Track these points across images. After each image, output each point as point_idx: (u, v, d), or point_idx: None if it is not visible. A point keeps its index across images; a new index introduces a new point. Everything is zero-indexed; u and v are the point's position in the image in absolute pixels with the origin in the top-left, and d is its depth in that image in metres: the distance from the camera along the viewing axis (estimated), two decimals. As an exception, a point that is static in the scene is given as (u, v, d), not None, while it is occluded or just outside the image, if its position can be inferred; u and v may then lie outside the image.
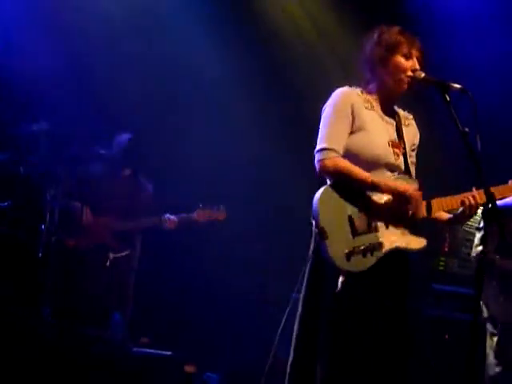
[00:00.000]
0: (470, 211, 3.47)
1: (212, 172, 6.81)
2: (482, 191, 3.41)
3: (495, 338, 4.94)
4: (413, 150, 3.72)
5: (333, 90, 3.63)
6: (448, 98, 3.36)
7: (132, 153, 6.12)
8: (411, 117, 3.75)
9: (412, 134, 3.71)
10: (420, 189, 3.57)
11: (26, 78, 6.14)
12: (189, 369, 6.02)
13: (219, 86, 6.82)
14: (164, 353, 5.78)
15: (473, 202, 3.45)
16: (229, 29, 6.80)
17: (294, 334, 3.51)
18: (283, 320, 3.78)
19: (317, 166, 3.49)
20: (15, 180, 5.80)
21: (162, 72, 6.73)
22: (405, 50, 3.56)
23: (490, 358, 4.94)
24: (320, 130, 3.54)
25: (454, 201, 3.52)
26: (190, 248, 6.81)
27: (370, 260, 3.38)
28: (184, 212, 6.14)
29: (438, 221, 3.62)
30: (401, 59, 3.55)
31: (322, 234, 3.34)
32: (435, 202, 3.52)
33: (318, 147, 3.50)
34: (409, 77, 3.54)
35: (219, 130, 6.86)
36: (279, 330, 3.58)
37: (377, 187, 3.43)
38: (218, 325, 6.82)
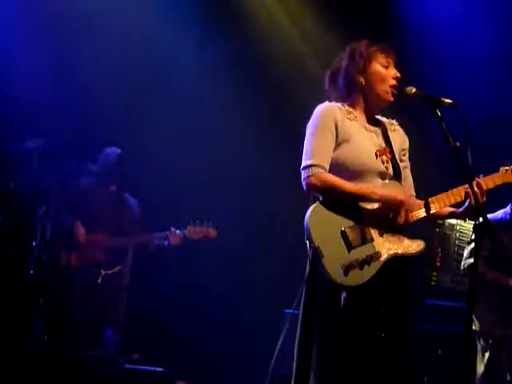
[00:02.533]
0: (476, 201, 3.39)
1: (201, 184, 6.80)
2: (487, 177, 3.47)
3: (487, 354, 4.94)
4: (404, 155, 3.72)
5: (319, 99, 3.65)
6: (439, 113, 3.38)
7: (120, 168, 6.10)
8: (396, 123, 3.75)
9: (399, 138, 3.71)
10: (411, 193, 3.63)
11: (18, 94, 6.13)
12: (181, 385, 6.00)
13: (207, 98, 6.83)
14: (156, 369, 5.76)
15: (477, 190, 3.41)
16: (217, 35, 6.84)
17: (296, 351, 3.48)
18: (281, 337, 3.75)
19: (303, 183, 3.49)
20: (6, 196, 5.78)
21: (149, 84, 6.73)
22: (381, 59, 3.58)
23: (480, 372, 4.93)
24: (304, 147, 3.54)
25: (456, 194, 3.52)
26: (183, 263, 6.79)
27: (369, 272, 3.37)
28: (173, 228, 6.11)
29: (439, 217, 3.63)
30: (379, 68, 3.58)
31: (317, 253, 3.33)
32: (434, 200, 3.53)
33: (303, 164, 3.50)
34: (392, 86, 3.56)
35: (207, 143, 6.86)
36: (277, 348, 3.55)
37: (366, 197, 3.43)
38: (210, 341, 6.80)
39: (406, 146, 3.75)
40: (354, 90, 3.62)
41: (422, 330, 5.78)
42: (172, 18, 6.73)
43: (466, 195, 3.45)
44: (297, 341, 3.50)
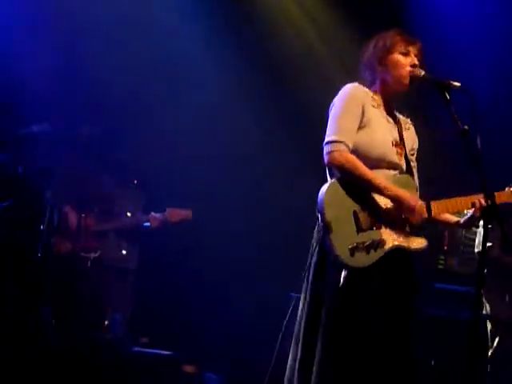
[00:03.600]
0: (480, 213, 3.43)
1: (203, 172, 6.79)
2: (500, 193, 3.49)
3: (496, 338, 4.94)
4: (412, 155, 3.74)
5: (330, 89, 3.66)
6: (448, 97, 3.37)
7: (91, 145, 6.04)
8: (410, 122, 3.79)
9: (411, 137, 3.75)
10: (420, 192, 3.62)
11: (25, 79, 6.13)
12: (188, 369, 6.02)
13: (210, 85, 6.81)
14: (164, 353, 5.78)
15: (484, 203, 3.40)
16: (222, 27, 6.79)
17: (302, 330, 3.49)
18: (285, 321, 3.76)
19: (326, 157, 3.49)
20: (14, 180, 5.79)
21: (154, 71, 6.71)
22: (401, 48, 3.60)
23: (490, 355, 4.94)
24: (329, 122, 3.55)
25: (461, 203, 3.53)
26: (190, 248, 6.80)
27: (373, 256, 3.39)
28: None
29: (443, 223, 3.65)
30: (398, 56, 3.59)
31: (327, 228, 3.35)
32: (436, 205, 3.53)
33: (327, 139, 3.50)
34: (409, 72, 3.56)
35: (210, 130, 6.84)
36: (281, 331, 3.56)
37: (381, 190, 3.44)
38: (219, 325, 6.81)
39: (416, 146, 3.79)
40: (375, 79, 3.66)
41: (429, 313, 5.78)
42: (179, 9, 6.70)
43: (473, 205, 3.46)
44: (304, 318, 3.49)
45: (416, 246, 3.51)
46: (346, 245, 3.34)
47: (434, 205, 3.52)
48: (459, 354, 5.44)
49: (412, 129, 3.78)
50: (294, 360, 3.49)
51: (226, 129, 6.82)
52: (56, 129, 5.82)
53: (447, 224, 3.70)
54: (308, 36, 7.10)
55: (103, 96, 6.32)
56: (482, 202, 3.41)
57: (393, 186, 3.47)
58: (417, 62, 3.59)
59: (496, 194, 3.50)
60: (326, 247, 3.38)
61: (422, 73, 3.52)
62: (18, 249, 5.63)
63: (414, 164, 3.73)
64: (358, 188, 3.44)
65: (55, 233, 5.76)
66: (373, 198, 3.46)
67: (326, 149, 3.48)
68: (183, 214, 6.07)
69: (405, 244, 3.48)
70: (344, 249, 3.34)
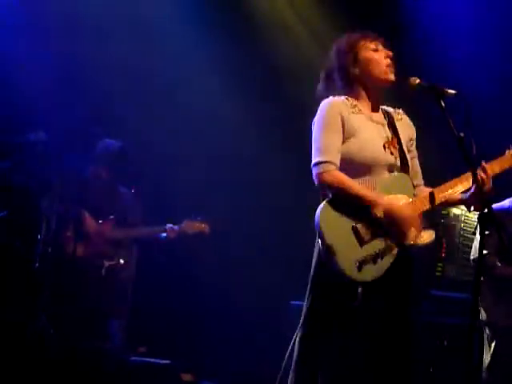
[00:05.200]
0: (483, 186, 3.39)
1: (204, 175, 6.80)
2: (493, 161, 3.49)
3: (493, 344, 4.93)
4: (411, 145, 3.71)
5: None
6: (443, 104, 3.37)
7: (122, 161, 6.08)
8: (402, 111, 3.75)
9: (407, 127, 3.71)
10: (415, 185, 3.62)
11: (22, 87, 6.13)
12: (186, 377, 6.01)
13: (210, 87, 6.82)
14: (161, 361, 5.77)
15: (484, 175, 3.42)
16: (218, 28, 6.80)
17: (298, 346, 3.48)
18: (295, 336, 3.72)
19: (315, 179, 3.48)
20: (11, 189, 5.78)
21: (153, 75, 6.72)
22: (366, 44, 3.59)
23: (487, 362, 4.93)
24: (313, 144, 3.54)
25: (463, 180, 3.51)
26: (188, 256, 6.79)
27: (383, 265, 3.38)
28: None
29: (449, 203, 3.62)
30: (369, 53, 3.58)
31: (329, 251, 3.33)
32: (439, 190, 3.52)
33: (314, 161, 3.49)
34: (388, 65, 3.55)
35: (210, 132, 6.85)
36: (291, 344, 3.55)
37: (373, 205, 3.40)
38: (216, 333, 6.80)
39: (413, 135, 3.74)
40: (352, 83, 3.61)
41: (427, 320, 5.78)
42: (177, 13, 6.72)
43: (474, 180, 3.42)
44: (300, 335, 3.48)
45: (425, 241, 3.47)
46: (352, 262, 3.32)
47: (436, 192, 3.52)
48: (457, 360, 5.45)
49: (405, 118, 3.73)
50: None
51: (227, 129, 6.83)
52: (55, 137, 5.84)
53: (451, 204, 3.67)
54: (303, 36, 7.13)
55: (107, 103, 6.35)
56: (482, 174, 3.41)
57: (383, 199, 3.42)
58: (391, 53, 3.58)
59: (496, 160, 3.53)
60: (332, 269, 3.35)
61: (417, 81, 3.48)
62: (14, 259, 5.62)
63: (413, 154, 3.70)
64: (351, 203, 3.41)
65: (62, 238, 5.76)
66: (368, 211, 3.43)
67: (314, 171, 3.48)
68: (200, 226, 6.07)
69: (412, 242, 3.44)
70: (351, 266, 3.32)
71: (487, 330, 4.98)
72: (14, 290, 5.55)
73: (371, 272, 3.35)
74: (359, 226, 3.39)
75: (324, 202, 3.43)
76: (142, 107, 6.68)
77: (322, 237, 3.36)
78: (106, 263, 5.93)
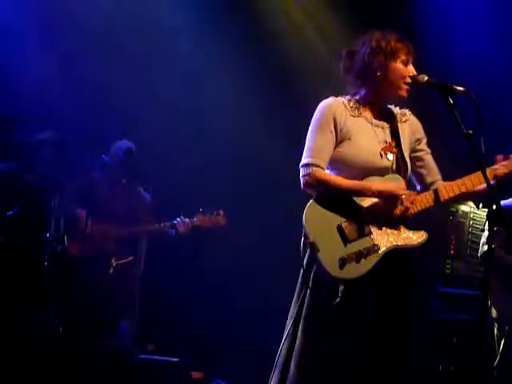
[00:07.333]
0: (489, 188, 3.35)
1: (208, 172, 6.80)
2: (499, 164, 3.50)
3: (503, 341, 4.93)
4: (419, 144, 3.70)
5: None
6: (451, 101, 3.36)
7: (132, 161, 6.11)
8: (408, 112, 3.73)
9: (411, 128, 3.69)
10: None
11: (32, 87, 6.15)
12: (196, 375, 6.01)
13: (215, 83, 6.82)
14: (171, 359, 5.78)
15: (507, 171, 3.48)
16: (225, 25, 6.80)
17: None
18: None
19: (301, 181, 3.53)
20: (21, 188, 5.80)
21: (160, 76, 6.73)
22: (403, 56, 3.55)
23: (497, 360, 4.92)
24: (306, 143, 3.57)
25: (474, 179, 3.52)
26: (196, 254, 6.79)
27: (365, 265, 3.40)
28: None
29: (471, 194, 3.62)
30: (400, 66, 3.55)
31: (313, 248, 3.38)
32: (447, 186, 3.53)
33: (302, 162, 3.54)
34: (407, 83, 3.54)
35: (212, 130, 6.86)
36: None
37: (361, 193, 3.45)
38: (226, 331, 6.80)
39: (420, 134, 3.72)
40: (367, 78, 3.58)
41: (436, 318, 5.77)
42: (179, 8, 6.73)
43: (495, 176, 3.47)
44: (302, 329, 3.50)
45: (415, 242, 3.49)
46: (334, 259, 3.36)
47: (441, 189, 3.53)
48: (466, 358, 5.43)
49: (411, 119, 3.71)
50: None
51: (229, 128, 6.83)
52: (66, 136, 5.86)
53: (473, 194, 3.67)
54: (311, 36, 7.12)
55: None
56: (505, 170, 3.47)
57: (374, 183, 3.46)
58: (415, 73, 3.55)
59: (503, 163, 3.53)
60: (317, 266, 3.41)
61: (425, 78, 3.49)
62: (23, 258, 5.64)
63: (424, 152, 3.69)
64: (337, 202, 3.45)
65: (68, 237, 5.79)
66: (356, 207, 3.46)
67: (300, 172, 3.54)
68: (216, 219, 6.06)
69: (401, 243, 3.47)
70: (333, 263, 3.36)
71: (497, 327, 4.97)
72: (22, 288, 5.57)
73: (353, 270, 3.38)
74: (345, 224, 3.43)
75: (311, 200, 3.48)
76: (148, 105, 6.69)
77: (305, 235, 3.41)
78: (114, 262, 5.94)
